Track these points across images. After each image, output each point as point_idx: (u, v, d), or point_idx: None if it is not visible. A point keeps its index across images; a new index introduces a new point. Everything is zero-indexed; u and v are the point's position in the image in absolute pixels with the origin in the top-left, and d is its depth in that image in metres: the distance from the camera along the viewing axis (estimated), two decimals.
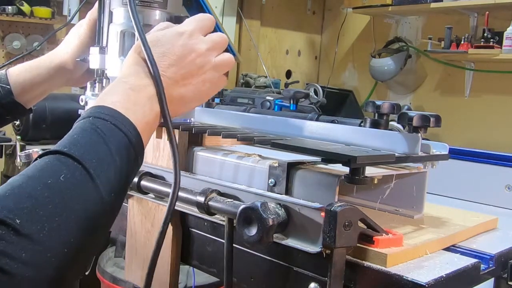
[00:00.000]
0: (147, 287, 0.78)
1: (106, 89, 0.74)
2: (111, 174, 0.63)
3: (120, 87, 0.72)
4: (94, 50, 0.98)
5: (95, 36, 1.01)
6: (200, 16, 0.80)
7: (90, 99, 1.02)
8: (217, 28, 3.56)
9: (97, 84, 1.02)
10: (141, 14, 0.92)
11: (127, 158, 0.66)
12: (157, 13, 0.93)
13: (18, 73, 1.03)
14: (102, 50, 0.96)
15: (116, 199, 0.64)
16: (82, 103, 1.03)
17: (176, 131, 0.96)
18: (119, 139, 0.65)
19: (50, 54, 1.06)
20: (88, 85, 1.06)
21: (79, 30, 1.05)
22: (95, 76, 1.02)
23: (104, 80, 1.01)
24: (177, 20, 0.93)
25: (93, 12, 1.03)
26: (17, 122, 2.00)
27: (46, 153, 0.62)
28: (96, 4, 1.01)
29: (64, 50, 1.05)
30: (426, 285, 0.66)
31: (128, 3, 0.76)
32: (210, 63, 0.77)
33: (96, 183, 0.60)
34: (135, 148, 0.67)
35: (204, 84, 0.77)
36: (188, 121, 1.02)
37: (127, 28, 0.94)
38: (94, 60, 0.98)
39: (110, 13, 0.96)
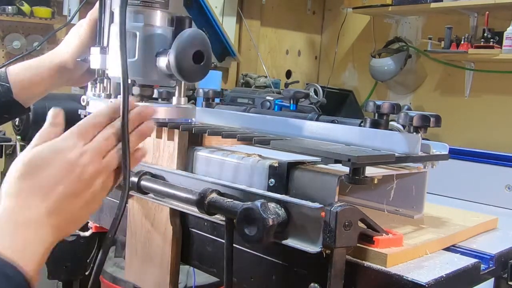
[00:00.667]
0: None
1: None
2: None
3: (4, 219, 0.65)
4: (95, 50, 0.98)
5: (96, 36, 1.01)
6: (81, 122, 0.73)
7: (92, 99, 1.02)
8: (216, 27, 3.52)
9: (98, 84, 1.02)
10: (143, 15, 0.92)
11: None
12: (158, 14, 0.93)
13: (18, 71, 1.03)
14: (103, 50, 0.96)
15: None
16: (83, 103, 1.03)
17: (176, 131, 0.96)
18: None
19: (51, 54, 1.06)
20: (89, 85, 1.06)
21: (79, 30, 1.05)
22: (96, 76, 1.02)
23: (105, 80, 1.00)
24: (179, 20, 0.93)
25: (93, 12, 1.03)
26: (17, 122, 2.00)
27: None
28: (97, 4, 1.01)
29: (65, 50, 1.05)
30: (426, 285, 0.66)
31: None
32: (92, 178, 0.71)
33: None
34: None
35: (94, 196, 0.72)
36: (190, 121, 1.02)
37: (128, 28, 0.94)
38: (94, 60, 0.98)
39: (111, 13, 0.96)
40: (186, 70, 0.87)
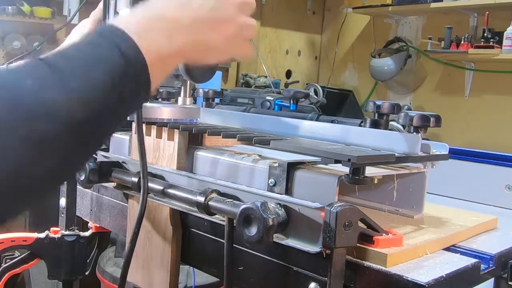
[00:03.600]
0: None
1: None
2: (89, 88, 0.54)
3: (138, 12, 0.66)
4: None
5: None
6: None
7: None
8: None
9: None
10: None
11: (121, 83, 0.57)
12: None
13: None
14: None
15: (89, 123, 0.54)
16: None
17: (176, 131, 0.96)
18: (116, 60, 0.57)
19: None
20: None
21: (82, 31, 1.04)
22: None
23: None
24: None
25: (96, 13, 1.02)
26: None
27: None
28: (100, 5, 1.00)
29: None
30: (426, 285, 0.66)
31: None
32: (243, 12, 0.72)
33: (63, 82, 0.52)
34: (137, 75, 0.59)
35: (232, 40, 0.72)
36: (195, 121, 1.01)
37: None
38: None
39: (116, 14, 0.96)
40: (195, 71, 0.87)
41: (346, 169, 0.73)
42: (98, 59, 0.56)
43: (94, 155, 1.09)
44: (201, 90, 1.24)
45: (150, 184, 0.93)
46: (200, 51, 0.70)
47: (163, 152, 0.99)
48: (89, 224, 1.33)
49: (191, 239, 0.97)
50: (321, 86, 3.22)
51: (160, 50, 0.62)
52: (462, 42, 3.52)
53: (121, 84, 0.57)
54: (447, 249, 0.82)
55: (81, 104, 0.53)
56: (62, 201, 1.31)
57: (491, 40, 3.38)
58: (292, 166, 0.79)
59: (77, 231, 1.33)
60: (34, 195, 0.53)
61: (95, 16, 1.03)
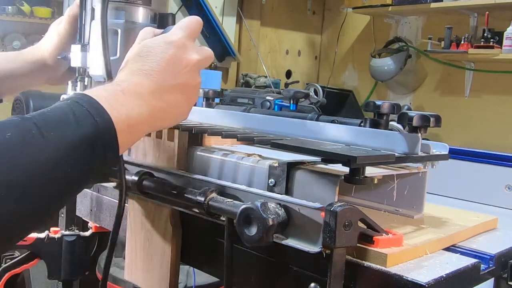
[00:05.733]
0: None
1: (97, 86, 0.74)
2: (63, 146, 0.59)
3: (110, 86, 0.72)
4: (75, 48, 0.95)
5: (75, 33, 0.99)
6: (188, 20, 0.80)
7: None
8: (216, 27, 3.52)
9: (78, 83, 0.99)
10: (125, 11, 0.91)
11: (91, 149, 0.62)
12: (140, 10, 0.92)
13: (0, 61, 1.01)
14: (84, 48, 0.94)
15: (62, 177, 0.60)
16: None
17: (176, 131, 0.96)
18: (89, 127, 0.62)
19: (31, 49, 1.04)
20: (69, 84, 1.03)
21: (59, 27, 1.03)
22: (77, 75, 0.99)
23: (86, 79, 0.98)
24: (162, 17, 0.92)
25: (72, 9, 1.01)
26: None
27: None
28: (77, 1, 0.99)
29: (45, 46, 1.03)
30: (426, 285, 0.66)
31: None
32: (198, 73, 0.79)
33: (46, 139, 0.58)
34: (104, 142, 0.64)
35: (190, 92, 0.78)
36: None
37: (110, 25, 0.92)
38: (75, 58, 0.95)
39: (92, 10, 0.95)
40: None
41: (346, 169, 0.73)
42: (77, 123, 0.62)
43: None
44: (201, 90, 1.24)
45: (150, 184, 0.93)
46: (165, 117, 0.77)
47: (163, 152, 0.99)
48: (89, 224, 1.33)
49: (191, 239, 0.97)
50: (321, 86, 3.22)
51: (130, 121, 0.68)
52: (462, 42, 3.53)
53: (90, 149, 0.62)
54: (447, 249, 0.82)
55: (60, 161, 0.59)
56: None
57: (491, 40, 3.38)
58: (292, 166, 0.79)
59: (77, 231, 1.33)
60: None
61: (71, 12, 1.02)
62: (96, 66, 0.93)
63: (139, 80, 0.73)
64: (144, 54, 0.75)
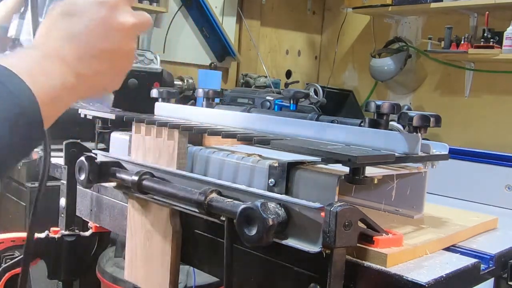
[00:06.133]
0: None
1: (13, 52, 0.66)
2: None
3: (30, 51, 0.64)
4: (15, 17, 0.94)
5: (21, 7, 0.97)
6: None
7: None
8: (216, 27, 3.50)
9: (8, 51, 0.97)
10: None
11: (14, 127, 0.56)
12: None
13: None
14: (22, 16, 0.92)
15: None
16: None
17: (176, 131, 0.96)
18: (9, 105, 0.56)
19: None
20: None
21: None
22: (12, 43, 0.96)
23: (18, 48, 0.96)
24: None
25: None
26: None
27: None
28: None
29: None
30: (426, 285, 0.66)
31: None
32: (132, 39, 0.70)
33: None
34: (28, 120, 0.58)
35: (122, 59, 0.70)
36: (105, 106, 0.94)
37: None
38: (12, 27, 0.93)
39: None
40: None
41: (346, 169, 0.73)
42: None
43: (94, 155, 1.08)
44: (201, 90, 1.24)
45: (150, 184, 0.93)
46: (94, 86, 0.69)
47: (163, 152, 0.99)
48: (89, 224, 1.33)
49: (191, 239, 0.97)
50: (321, 86, 3.22)
51: (52, 92, 0.61)
52: (462, 42, 3.52)
53: (14, 127, 0.56)
54: (447, 249, 0.82)
55: None
56: (62, 201, 1.31)
57: (491, 40, 3.38)
58: (292, 166, 0.79)
59: (77, 231, 1.33)
60: None
61: None
62: (25, 30, 0.89)
63: (63, 43, 0.64)
64: (71, 13, 0.66)
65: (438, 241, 0.81)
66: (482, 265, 0.78)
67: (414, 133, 0.82)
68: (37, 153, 1.53)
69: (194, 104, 2.36)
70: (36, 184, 2.11)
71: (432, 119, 0.82)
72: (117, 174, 1.01)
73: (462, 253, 0.81)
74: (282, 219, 0.73)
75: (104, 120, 1.18)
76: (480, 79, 3.76)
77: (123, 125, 1.11)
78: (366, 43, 4.43)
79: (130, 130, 1.07)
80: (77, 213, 1.29)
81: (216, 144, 1.02)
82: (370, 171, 0.79)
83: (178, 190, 0.88)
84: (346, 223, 0.67)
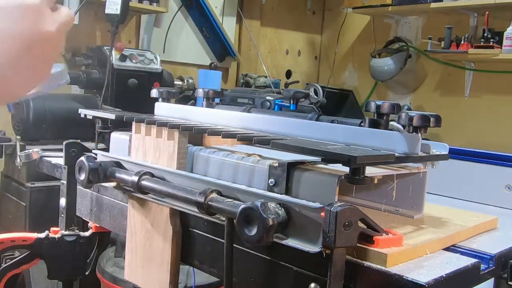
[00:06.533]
0: None
1: None
2: None
3: None
4: None
5: None
6: None
7: None
8: (216, 27, 3.50)
9: None
10: None
11: None
12: None
13: None
14: None
15: None
16: None
17: (176, 131, 0.96)
18: None
19: None
20: None
21: None
22: None
23: None
24: None
25: None
26: (17, 122, 2.00)
27: None
28: None
29: None
30: (426, 285, 0.66)
31: None
32: (58, 44, 0.63)
33: None
34: None
35: (47, 60, 0.62)
36: (56, 86, 0.86)
37: None
38: None
39: None
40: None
41: (346, 169, 0.73)
42: None
43: (94, 155, 1.09)
44: (201, 90, 1.24)
45: (150, 184, 0.93)
46: (22, 76, 0.60)
47: (163, 152, 0.99)
48: (89, 224, 1.33)
49: (191, 239, 0.97)
50: (321, 86, 3.22)
51: None
52: (462, 42, 3.52)
53: None
54: (447, 249, 0.82)
55: None
56: (62, 201, 1.31)
57: (491, 40, 3.38)
58: (292, 166, 0.79)
59: (77, 231, 1.33)
60: None
61: None
62: None
63: None
64: None
65: (438, 241, 0.81)
66: (482, 265, 0.78)
67: (414, 133, 0.82)
68: (37, 153, 1.53)
69: (194, 104, 2.36)
70: (36, 184, 2.11)
71: (432, 119, 0.82)
72: (117, 174, 1.01)
73: (462, 253, 0.81)
74: (282, 219, 0.73)
75: (104, 120, 1.18)
76: (480, 79, 3.76)
77: (123, 125, 1.11)
78: (366, 43, 4.43)
79: (130, 130, 1.07)
80: (77, 213, 1.29)
81: (216, 144, 1.02)
82: (370, 171, 0.79)
83: (178, 190, 0.88)
84: (346, 223, 0.67)
